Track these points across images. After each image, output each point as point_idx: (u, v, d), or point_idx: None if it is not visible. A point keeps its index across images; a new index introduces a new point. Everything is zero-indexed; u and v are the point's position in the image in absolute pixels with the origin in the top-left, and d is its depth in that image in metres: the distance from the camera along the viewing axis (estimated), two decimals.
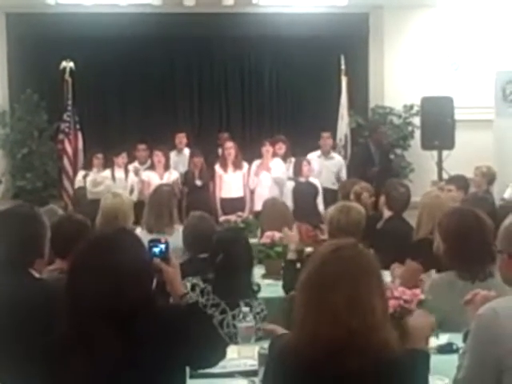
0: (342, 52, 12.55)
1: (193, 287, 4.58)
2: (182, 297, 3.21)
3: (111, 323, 2.51)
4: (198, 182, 11.11)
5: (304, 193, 10.07)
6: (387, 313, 2.54)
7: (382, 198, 6.83)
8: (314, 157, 11.54)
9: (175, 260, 3.24)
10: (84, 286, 2.54)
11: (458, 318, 3.56)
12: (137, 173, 11.14)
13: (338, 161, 11.86)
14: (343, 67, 12.51)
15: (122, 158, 11.10)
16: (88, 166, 11.10)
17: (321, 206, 10.15)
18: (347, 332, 2.39)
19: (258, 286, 5.17)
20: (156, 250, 3.12)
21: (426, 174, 12.19)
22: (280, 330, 3.73)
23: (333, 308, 2.40)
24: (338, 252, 2.53)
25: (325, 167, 11.59)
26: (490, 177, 9.32)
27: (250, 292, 4.67)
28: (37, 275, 3.42)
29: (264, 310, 4.62)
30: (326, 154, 11.77)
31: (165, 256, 3.14)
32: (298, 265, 5.55)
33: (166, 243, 3.17)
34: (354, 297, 2.42)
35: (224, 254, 4.59)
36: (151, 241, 3.16)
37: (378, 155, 11.67)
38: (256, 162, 11.23)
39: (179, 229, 6.60)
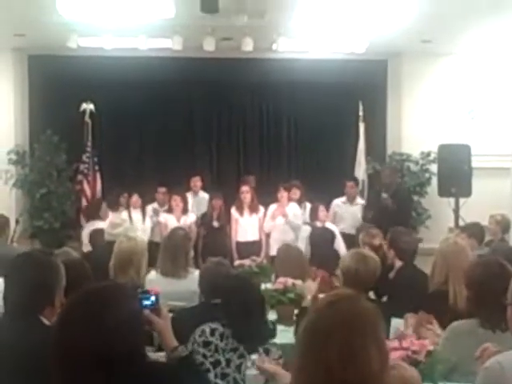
0: (360, 98, 12.61)
1: (212, 332, 4.61)
2: (174, 349, 3.16)
3: (99, 375, 2.48)
4: (215, 224, 11.15)
5: (321, 238, 10.07)
6: (386, 365, 2.50)
7: (391, 251, 6.79)
8: (338, 202, 11.60)
9: (166, 312, 3.21)
10: (72, 339, 2.51)
11: (473, 366, 3.52)
12: (157, 214, 11.25)
13: (361, 206, 11.88)
14: (361, 113, 12.57)
15: (135, 199, 11.18)
16: (113, 206, 11.11)
17: (342, 251, 10.09)
18: (343, 382, 2.34)
19: (273, 324, 5.15)
20: (146, 301, 3.09)
21: (442, 221, 12.18)
22: (280, 371, 3.72)
23: (326, 360, 2.36)
24: (335, 304, 2.51)
25: (349, 213, 11.62)
26: (504, 225, 9.32)
27: (267, 335, 4.67)
28: (46, 322, 3.42)
29: (282, 357, 4.62)
30: (351, 200, 11.79)
31: (155, 307, 3.12)
32: None
33: (157, 295, 3.14)
34: (347, 348, 2.37)
35: (236, 305, 4.61)
36: (142, 292, 3.13)
37: (386, 198, 11.46)
38: (272, 206, 11.25)
39: (194, 272, 6.62)
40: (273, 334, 4.93)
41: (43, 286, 3.49)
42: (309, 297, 5.87)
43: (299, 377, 2.46)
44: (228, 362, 4.56)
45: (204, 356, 4.56)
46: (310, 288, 6.11)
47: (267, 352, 4.55)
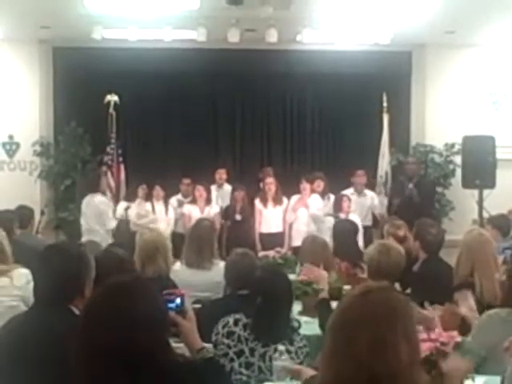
0: (384, 90, 12.57)
1: (236, 322, 4.64)
2: (199, 351, 3.13)
3: (124, 372, 2.47)
4: (238, 217, 11.17)
5: (345, 230, 10.02)
6: (416, 359, 2.48)
7: (417, 243, 6.77)
8: (347, 194, 11.58)
9: (191, 313, 3.16)
10: (97, 333, 2.51)
11: (502, 355, 3.51)
12: (181, 205, 11.32)
13: (370, 197, 11.88)
14: (385, 105, 12.53)
15: (157, 191, 11.22)
16: (132, 197, 11.20)
17: (360, 243, 10.11)
18: (369, 376, 2.34)
19: (298, 322, 5.17)
20: (171, 303, 3.05)
21: (466, 213, 12.15)
22: (306, 371, 3.72)
23: (356, 351, 2.36)
24: (366, 295, 2.50)
25: (358, 204, 11.61)
26: None
27: (288, 332, 4.68)
28: (76, 312, 3.43)
29: (306, 346, 4.66)
30: (359, 192, 11.80)
31: (181, 309, 3.07)
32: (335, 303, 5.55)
33: (182, 296, 3.10)
34: (377, 340, 2.37)
35: (264, 296, 4.63)
36: (166, 294, 3.07)
37: (411, 189, 11.43)
38: (294, 197, 11.25)
39: (219, 264, 6.63)
40: (296, 328, 4.93)
41: (73, 276, 3.52)
42: (320, 285, 5.85)
43: (327, 370, 2.46)
44: (252, 351, 4.57)
45: (228, 346, 4.58)
46: (317, 276, 6.08)
47: (291, 342, 4.59)
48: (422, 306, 5.30)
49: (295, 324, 4.97)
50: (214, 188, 11.84)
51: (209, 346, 4.15)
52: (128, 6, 10.42)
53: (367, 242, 9.83)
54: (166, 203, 11.40)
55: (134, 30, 11.64)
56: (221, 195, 11.87)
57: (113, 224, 10.30)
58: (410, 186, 11.01)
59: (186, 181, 11.76)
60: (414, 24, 11.28)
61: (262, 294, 4.64)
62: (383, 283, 2.78)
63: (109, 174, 12.07)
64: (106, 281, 2.70)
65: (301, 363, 4.46)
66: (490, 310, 4.52)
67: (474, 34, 12.08)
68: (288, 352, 4.42)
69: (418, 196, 10.94)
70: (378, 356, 2.35)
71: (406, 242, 7.07)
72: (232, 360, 4.54)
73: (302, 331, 5.27)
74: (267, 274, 5.17)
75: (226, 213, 11.35)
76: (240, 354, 4.57)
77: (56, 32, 11.99)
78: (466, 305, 5.18)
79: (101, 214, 10.25)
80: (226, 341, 4.59)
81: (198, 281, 6.61)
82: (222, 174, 12.12)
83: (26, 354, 3.34)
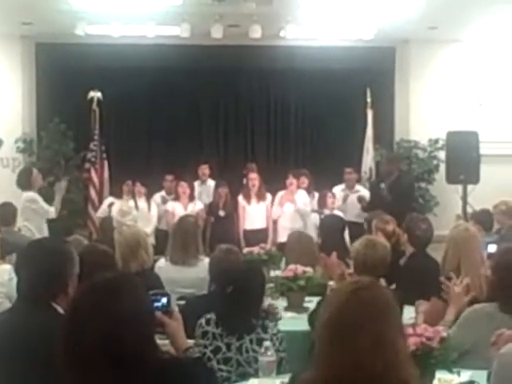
0: (367, 85, 12.57)
1: (208, 321, 4.67)
2: (186, 351, 3.12)
3: (111, 371, 2.44)
4: (222, 213, 11.15)
5: (331, 225, 10.03)
6: (407, 351, 2.53)
7: (405, 236, 6.77)
8: (337, 190, 11.55)
9: (177, 313, 3.17)
10: (82, 332, 2.47)
11: (486, 350, 3.51)
12: (165, 202, 11.29)
13: (362, 194, 11.85)
14: (369, 100, 12.53)
15: (138, 188, 11.18)
16: (117, 194, 11.16)
17: (347, 239, 10.08)
18: (371, 373, 2.37)
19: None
20: (158, 303, 3.05)
21: (450, 208, 12.17)
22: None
23: (357, 349, 2.39)
24: (359, 292, 2.52)
25: (349, 200, 11.59)
26: (510, 213, 9.26)
27: (260, 322, 4.69)
28: (60, 310, 3.39)
29: (280, 332, 4.70)
30: (350, 188, 11.77)
31: (167, 309, 3.07)
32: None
33: (168, 296, 3.10)
34: (378, 338, 2.41)
35: (235, 286, 4.67)
36: (152, 294, 3.05)
37: (382, 188, 11.24)
38: (280, 193, 11.25)
39: (204, 260, 6.62)
40: (268, 315, 4.94)
41: (57, 273, 3.47)
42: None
43: (325, 367, 2.46)
44: (228, 346, 4.60)
45: (204, 346, 4.60)
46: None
47: (265, 330, 4.63)
48: (408, 301, 5.31)
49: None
50: (197, 184, 11.81)
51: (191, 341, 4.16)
52: (111, 1, 10.40)
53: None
54: (149, 200, 11.35)
55: (118, 26, 11.60)
56: (204, 191, 11.84)
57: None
58: (382, 185, 10.91)
59: (169, 177, 11.70)
60: (397, 20, 11.29)
61: (234, 284, 4.67)
62: (368, 279, 2.79)
63: (92, 170, 12.03)
64: (90, 278, 2.67)
65: (277, 350, 4.50)
66: (475, 305, 4.53)
67: (458, 29, 12.11)
68: (264, 340, 4.46)
69: (390, 196, 10.72)
70: (379, 352, 2.39)
71: (394, 237, 7.08)
72: (209, 359, 4.56)
73: (288, 327, 5.29)
74: (242, 266, 5.21)
75: (210, 209, 11.33)
76: (217, 350, 4.60)
77: (39, 28, 11.94)
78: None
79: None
80: (201, 341, 4.62)
81: (182, 277, 6.61)
82: (204, 169, 12.08)
83: (9, 352, 3.31)
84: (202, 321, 4.68)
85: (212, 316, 4.68)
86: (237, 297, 4.64)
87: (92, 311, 2.50)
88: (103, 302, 2.52)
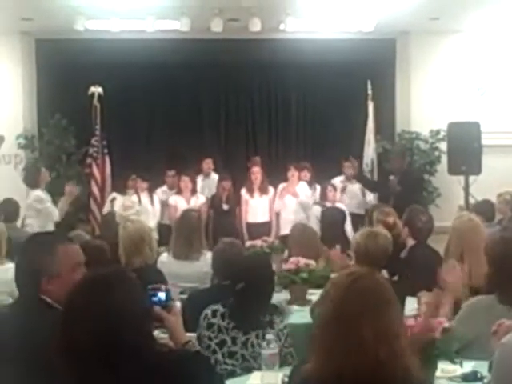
0: (368, 77, 12.51)
1: (214, 313, 4.65)
2: (184, 345, 3.11)
3: (105, 365, 2.46)
4: (225, 207, 11.16)
5: (332, 218, 10.04)
6: (407, 339, 2.55)
7: (406, 229, 6.76)
8: (337, 182, 11.55)
9: (176, 308, 3.18)
10: (77, 327, 2.48)
11: (487, 342, 3.52)
12: (167, 197, 11.34)
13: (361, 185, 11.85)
14: (370, 92, 12.48)
15: (139, 183, 11.19)
16: (120, 189, 11.16)
17: (349, 231, 10.08)
18: (375, 362, 2.40)
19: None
20: (156, 298, 3.04)
21: (452, 199, 12.16)
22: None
23: (360, 339, 2.41)
24: (359, 282, 2.54)
25: (348, 192, 11.60)
26: None
27: (267, 318, 4.68)
28: (48, 300, 3.29)
29: (287, 327, 4.70)
30: (349, 179, 11.76)
31: (166, 304, 3.06)
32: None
33: (167, 291, 3.09)
34: (380, 326, 2.43)
35: (247, 282, 4.62)
36: (152, 288, 3.05)
37: (392, 180, 11.26)
38: (282, 185, 11.25)
39: (207, 254, 6.62)
40: (276, 310, 4.94)
41: (29, 264, 3.36)
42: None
43: (329, 358, 2.47)
44: (234, 339, 4.59)
45: (209, 338, 4.60)
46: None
47: (272, 325, 4.63)
48: (410, 292, 5.32)
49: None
50: (200, 178, 11.82)
51: (193, 335, 4.16)
52: None
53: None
54: (151, 194, 11.36)
55: (117, 21, 11.60)
56: (207, 185, 11.85)
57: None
58: (392, 177, 10.90)
59: (171, 173, 11.73)
60: (397, 11, 11.27)
61: (245, 280, 4.63)
62: (365, 269, 2.81)
63: (94, 165, 12.03)
64: (85, 273, 2.68)
65: (283, 346, 4.51)
66: (473, 299, 4.53)
67: (458, 20, 12.08)
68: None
69: (400, 188, 10.75)
70: (383, 342, 2.43)
71: (395, 229, 7.07)
72: (215, 352, 4.56)
73: (291, 320, 5.29)
74: (252, 261, 5.19)
75: (213, 202, 11.33)
76: (222, 344, 4.59)
77: (38, 24, 11.93)
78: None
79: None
80: (206, 333, 4.61)
81: (186, 272, 6.61)
82: (208, 163, 12.11)
83: (6, 350, 3.29)
84: (208, 312, 4.66)
85: (219, 308, 4.67)
86: (248, 294, 4.60)
87: (86, 307, 2.51)
88: (97, 295, 2.54)
